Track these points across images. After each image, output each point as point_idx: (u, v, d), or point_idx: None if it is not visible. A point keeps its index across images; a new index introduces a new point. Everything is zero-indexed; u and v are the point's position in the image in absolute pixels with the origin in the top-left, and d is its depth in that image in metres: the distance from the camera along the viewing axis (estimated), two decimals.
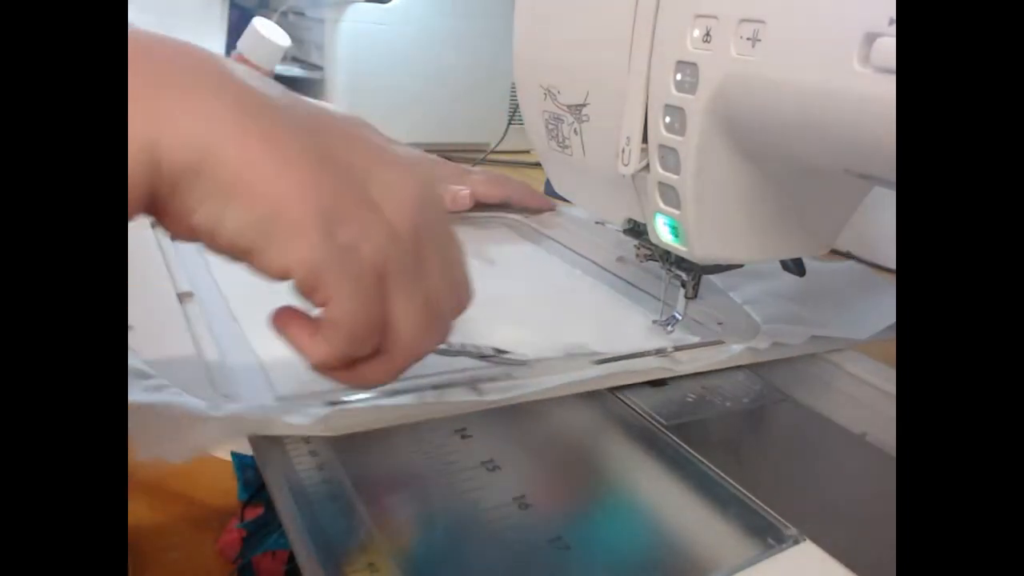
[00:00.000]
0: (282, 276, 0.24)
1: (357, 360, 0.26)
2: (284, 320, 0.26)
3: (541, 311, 0.46)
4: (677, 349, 0.40)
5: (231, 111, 0.22)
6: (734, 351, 0.41)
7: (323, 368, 0.26)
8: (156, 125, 0.21)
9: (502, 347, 0.37)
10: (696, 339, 0.42)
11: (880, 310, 0.46)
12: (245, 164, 0.22)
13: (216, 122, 0.21)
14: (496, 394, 0.33)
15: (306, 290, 0.24)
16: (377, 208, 0.25)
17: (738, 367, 0.41)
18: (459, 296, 0.29)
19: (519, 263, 0.55)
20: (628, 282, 0.51)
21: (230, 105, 0.22)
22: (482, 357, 0.36)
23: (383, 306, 0.25)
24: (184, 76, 0.22)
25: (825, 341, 0.43)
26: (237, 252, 0.23)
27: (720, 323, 0.45)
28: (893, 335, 0.44)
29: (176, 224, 0.23)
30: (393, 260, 0.25)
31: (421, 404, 0.32)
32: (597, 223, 0.62)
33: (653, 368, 0.38)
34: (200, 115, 0.21)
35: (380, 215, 0.24)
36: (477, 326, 0.36)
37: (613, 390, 0.38)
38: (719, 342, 0.42)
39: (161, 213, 0.23)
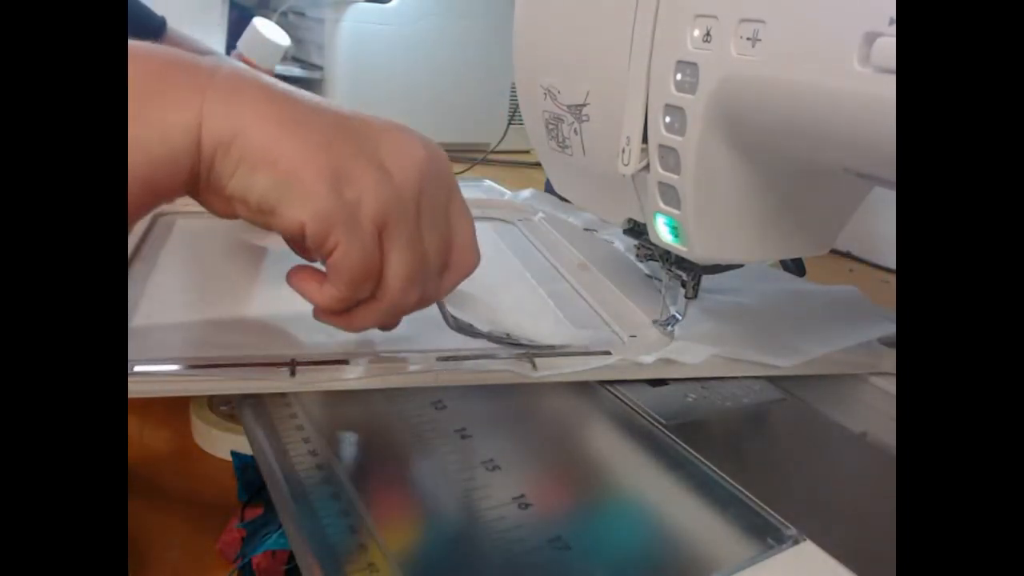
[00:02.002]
0: (300, 230, 0.28)
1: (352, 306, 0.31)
2: (298, 275, 0.31)
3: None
4: (536, 355, 0.37)
5: (254, 101, 0.27)
6: (599, 364, 0.38)
7: (327, 313, 0.32)
8: (196, 114, 0.26)
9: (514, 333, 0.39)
10: (580, 345, 0.40)
11: (831, 337, 0.42)
12: (266, 139, 0.27)
13: (242, 109, 0.27)
14: (310, 377, 0.34)
15: (318, 241, 0.28)
16: (383, 168, 0.29)
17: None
18: (456, 257, 0.33)
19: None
20: (574, 288, 0.49)
21: (254, 96, 0.27)
22: (499, 341, 0.39)
23: (380, 255, 0.30)
24: (214, 77, 0.27)
25: (735, 364, 0.40)
26: (263, 214, 0.28)
27: (633, 335, 0.42)
28: (823, 368, 0.41)
29: (214, 196, 0.28)
30: (393, 215, 0.29)
31: (225, 378, 0.33)
32: (587, 229, 0.61)
33: (494, 371, 0.36)
34: (231, 105, 0.27)
35: (385, 174, 0.29)
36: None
37: (613, 390, 0.38)
38: (604, 352, 0.39)
39: (202, 189, 0.28)
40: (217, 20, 1.06)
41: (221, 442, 0.41)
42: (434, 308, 0.41)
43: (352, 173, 0.28)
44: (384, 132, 0.30)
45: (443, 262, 0.33)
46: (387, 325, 0.34)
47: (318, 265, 0.32)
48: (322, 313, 0.32)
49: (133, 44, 0.26)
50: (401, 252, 0.30)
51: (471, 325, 0.39)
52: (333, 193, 0.27)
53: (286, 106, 0.28)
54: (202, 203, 0.30)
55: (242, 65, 0.29)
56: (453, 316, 0.38)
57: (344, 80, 1.06)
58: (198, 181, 0.28)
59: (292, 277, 0.31)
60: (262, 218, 0.29)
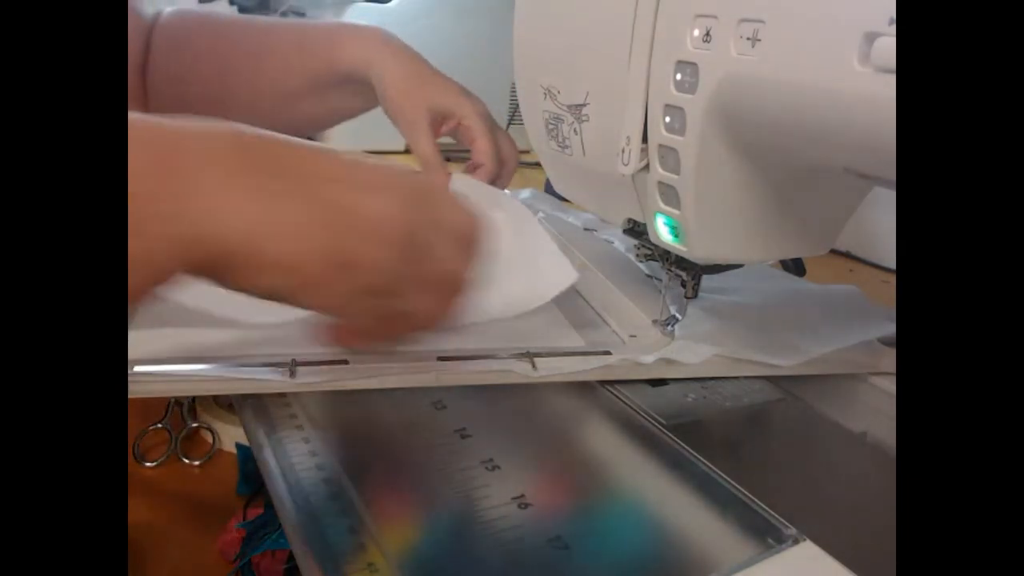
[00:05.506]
0: (312, 310, 0.31)
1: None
2: (327, 338, 0.34)
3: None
4: (536, 355, 0.37)
5: (249, 206, 0.27)
6: (599, 364, 0.38)
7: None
8: (191, 227, 0.26)
9: None
10: (580, 345, 0.40)
11: (831, 337, 0.42)
12: (270, 247, 0.27)
13: (238, 218, 0.26)
14: (310, 377, 0.33)
15: (330, 315, 0.32)
16: (369, 239, 0.29)
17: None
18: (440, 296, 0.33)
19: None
20: (574, 288, 0.49)
21: (248, 201, 0.27)
22: None
23: (392, 311, 0.31)
24: (212, 176, 0.26)
25: (735, 364, 0.40)
26: (268, 298, 0.29)
27: (633, 335, 0.42)
28: (820, 368, 0.41)
29: (212, 281, 0.28)
30: (385, 278, 0.30)
31: (225, 378, 0.33)
32: (587, 229, 0.61)
33: (495, 371, 0.36)
34: (227, 214, 0.26)
35: (368, 249, 0.29)
36: None
37: (613, 390, 0.38)
38: (605, 352, 0.39)
39: (197, 276, 0.28)
40: None
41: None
42: None
43: (346, 257, 0.29)
44: (359, 197, 0.30)
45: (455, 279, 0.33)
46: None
47: None
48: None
49: (137, 122, 0.25)
50: (416, 299, 0.31)
51: None
52: (336, 281, 0.29)
53: (278, 202, 0.28)
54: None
55: (224, 131, 0.28)
56: None
57: None
58: (191, 275, 0.28)
59: (325, 339, 0.34)
60: (267, 299, 0.30)
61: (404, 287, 0.31)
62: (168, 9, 0.57)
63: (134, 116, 0.25)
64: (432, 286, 0.32)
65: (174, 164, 0.26)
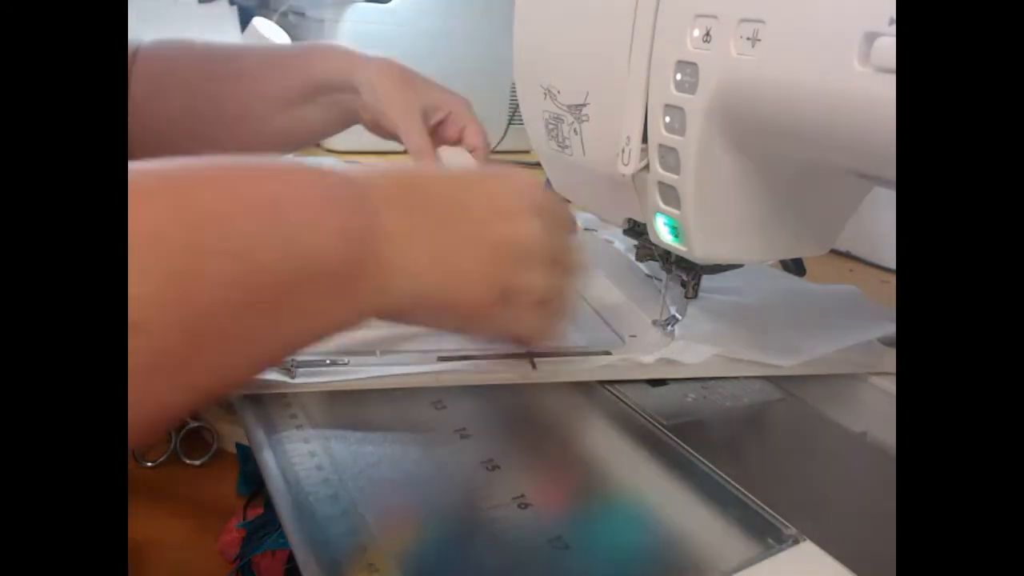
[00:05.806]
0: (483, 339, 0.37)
1: None
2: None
3: None
4: (536, 355, 0.37)
5: (427, 261, 0.30)
6: (599, 364, 0.38)
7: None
8: (381, 295, 0.29)
9: None
10: (580, 345, 0.40)
11: (831, 337, 0.43)
12: (442, 294, 0.31)
13: (420, 274, 0.30)
14: (310, 377, 0.34)
15: (510, 338, 0.36)
16: (524, 265, 0.33)
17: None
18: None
19: None
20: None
21: (425, 254, 0.30)
22: None
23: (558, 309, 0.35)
24: (396, 231, 0.30)
25: (735, 364, 0.40)
26: (449, 330, 0.35)
27: (633, 335, 0.42)
28: (824, 368, 0.41)
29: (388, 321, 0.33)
30: (552, 288, 0.34)
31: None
32: (587, 229, 0.61)
33: (495, 371, 0.37)
34: (410, 270, 0.30)
35: (528, 271, 0.33)
36: None
37: (613, 390, 0.38)
38: (605, 352, 0.39)
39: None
40: (229, 22, 1.05)
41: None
42: None
43: (508, 288, 0.33)
44: (511, 227, 0.33)
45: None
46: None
47: None
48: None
49: (331, 177, 0.28)
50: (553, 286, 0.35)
51: None
52: (509, 306, 0.33)
53: (440, 246, 0.31)
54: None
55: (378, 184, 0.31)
56: None
57: None
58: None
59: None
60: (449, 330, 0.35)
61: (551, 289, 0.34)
62: (149, 39, 0.58)
63: (325, 169, 0.29)
64: (560, 270, 0.35)
65: (370, 225, 0.29)
